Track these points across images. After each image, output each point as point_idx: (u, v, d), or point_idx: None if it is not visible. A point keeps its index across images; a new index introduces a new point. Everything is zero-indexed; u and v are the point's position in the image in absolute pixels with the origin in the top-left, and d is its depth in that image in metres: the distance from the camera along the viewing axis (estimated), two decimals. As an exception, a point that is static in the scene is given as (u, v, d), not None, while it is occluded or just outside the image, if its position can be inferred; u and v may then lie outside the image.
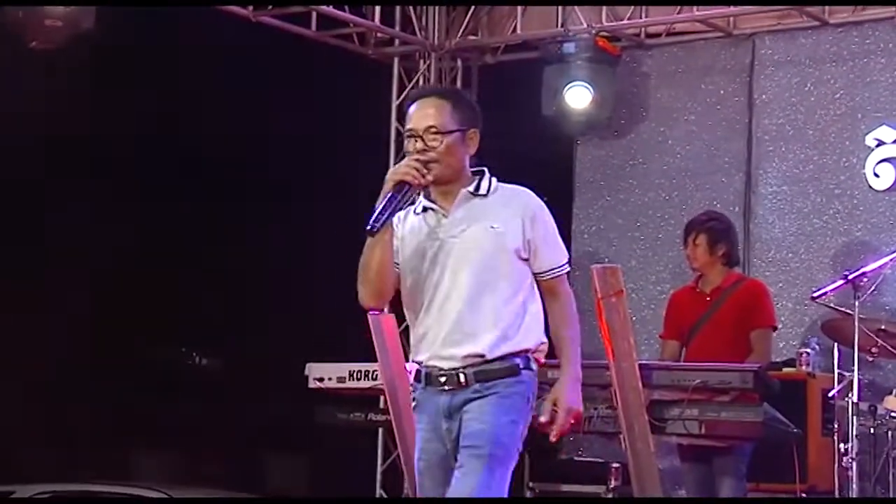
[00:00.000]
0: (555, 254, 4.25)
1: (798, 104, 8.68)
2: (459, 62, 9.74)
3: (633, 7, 8.97)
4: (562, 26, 9.10)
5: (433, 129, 4.16)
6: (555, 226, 4.29)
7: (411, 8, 9.48)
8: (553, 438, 4.20)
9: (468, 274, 4.10)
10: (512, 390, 4.09)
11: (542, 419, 4.15)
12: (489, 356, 4.08)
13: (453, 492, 4.00)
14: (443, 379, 4.11)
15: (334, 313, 6.97)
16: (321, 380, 6.52)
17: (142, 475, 11.79)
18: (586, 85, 8.73)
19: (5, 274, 11.67)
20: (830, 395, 6.52)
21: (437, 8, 9.56)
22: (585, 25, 8.91)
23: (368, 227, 4.03)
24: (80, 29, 7.44)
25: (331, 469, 11.16)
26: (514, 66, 9.64)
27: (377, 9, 9.21)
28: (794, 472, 6.17)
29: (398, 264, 4.19)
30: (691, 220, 6.87)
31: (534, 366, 4.18)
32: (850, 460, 6.26)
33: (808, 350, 7.24)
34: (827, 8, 8.53)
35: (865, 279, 6.43)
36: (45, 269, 11.74)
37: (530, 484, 6.96)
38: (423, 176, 4.10)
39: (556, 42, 8.91)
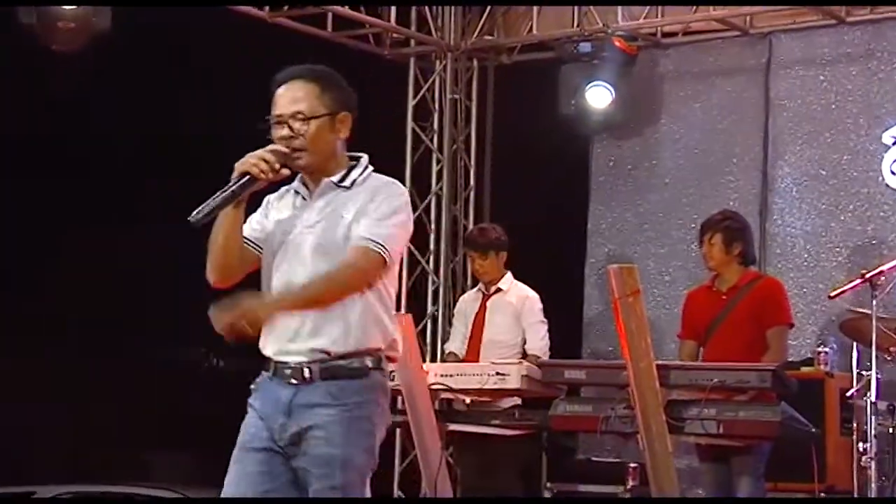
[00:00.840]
0: (368, 225, 3.86)
1: (814, 103, 8.66)
2: (475, 62, 9.74)
3: (648, 6, 8.96)
4: (578, 26, 9.09)
5: (300, 115, 3.90)
6: (396, 213, 3.90)
7: (427, 8, 9.48)
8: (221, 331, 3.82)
9: (319, 267, 3.84)
10: (364, 398, 3.84)
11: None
12: (334, 352, 3.84)
13: None
14: (288, 372, 3.86)
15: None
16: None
17: (160, 476, 11.81)
18: (607, 84, 8.73)
19: (26, 274, 11.71)
20: (849, 394, 6.50)
21: (452, 8, 9.56)
22: (601, 25, 8.90)
23: (190, 216, 3.78)
24: (96, 30, 7.41)
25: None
26: (530, 66, 9.63)
27: (393, 9, 9.21)
28: (813, 472, 6.13)
29: (255, 243, 3.96)
30: (707, 219, 6.84)
31: (385, 366, 3.92)
32: (869, 460, 6.23)
33: (827, 349, 7.23)
34: (844, 7, 8.51)
35: (883, 278, 6.40)
36: (65, 272, 11.77)
37: (548, 484, 6.96)
38: (276, 169, 3.85)
39: (573, 42, 8.91)
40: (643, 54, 9.09)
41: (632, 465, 6.86)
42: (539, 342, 6.91)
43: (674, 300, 8.35)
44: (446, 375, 6.33)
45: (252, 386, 3.97)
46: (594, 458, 8.06)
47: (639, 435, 5.42)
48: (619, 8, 8.95)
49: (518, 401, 6.57)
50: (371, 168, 4.00)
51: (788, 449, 6.11)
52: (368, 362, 3.87)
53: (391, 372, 4.05)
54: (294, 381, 3.86)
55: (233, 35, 8.86)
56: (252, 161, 3.83)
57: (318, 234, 3.90)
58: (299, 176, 3.98)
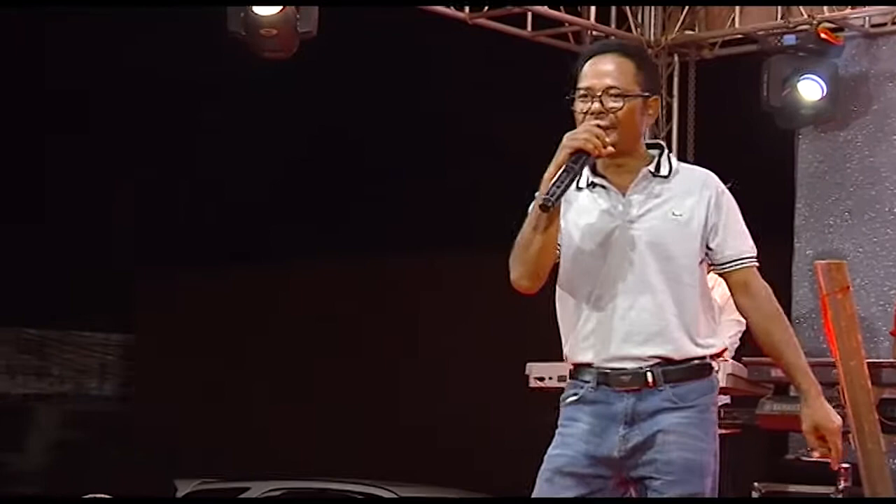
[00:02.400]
0: (741, 242, 3.72)
1: None
2: (676, 58, 9.64)
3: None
4: (781, 18, 8.92)
5: (614, 90, 3.62)
6: (740, 214, 3.75)
7: (627, 5, 9.43)
8: (835, 467, 3.75)
9: (653, 266, 3.63)
10: (708, 400, 3.70)
11: (816, 455, 3.69)
12: (677, 358, 3.66)
13: None
14: (626, 379, 3.64)
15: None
16: (542, 379, 6.54)
17: (372, 474, 12.00)
18: (817, 77, 8.56)
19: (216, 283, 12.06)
20: None
21: (653, 5, 9.49)
22: (807, 16, 8.72)
23: (542, 203, 3.52)
24: (301, 33, 7.38)
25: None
26: (733, 60, 9.50)
27: (592, 7, 9.19)
28: None
29: (559, 245, 3.67)
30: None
31: (717, 372, 3.78)
32: None
33: None
34: None
35: None
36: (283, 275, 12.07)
37: (756, 484, 6.84)
38: (604, 145, 3.58)
39: (777, 34, 8.75)
40: (851, 45, 8.87)
41: (844, 465, 6.70)
42: (727, 339, 6.73)
43: (887, 297, 8.15)
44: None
45: (571, 398, 3.75)
46: (804, 458, 7.91)
47: (850, 434, 5.30)
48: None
49: (726, 399, 6.48)
50: (674, 155, 3.80)
51: None
52: (708, 366, 3.77)
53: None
54: (635, 386, 3.69)
55: (432, 36, 8.97)
56: (585, 136, 3.57)
57: (650, 231, 3.65)
58: (588, 167, 3.67)
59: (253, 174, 12.05)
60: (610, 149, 3.61)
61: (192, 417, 13.51)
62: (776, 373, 5.65)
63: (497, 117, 10.52)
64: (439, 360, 12.32)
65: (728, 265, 3.73)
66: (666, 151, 3.77)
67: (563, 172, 3.55)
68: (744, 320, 6.81)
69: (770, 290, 3.77)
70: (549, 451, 3.74)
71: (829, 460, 3.67)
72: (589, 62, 3.69)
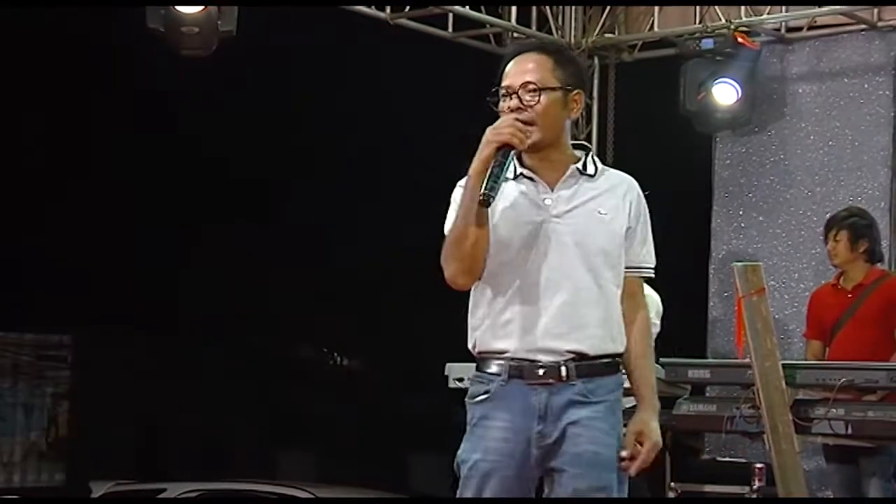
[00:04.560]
0: (646, 252, 3.78)
1: (945, 97, 8.47)
2: (596, 60, 9.69)
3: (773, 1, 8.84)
4: (700, 22, 9.00)
5: (531, 85, 3.66)
6: (650, 224, 3.81)
7: (548, 7, 9.47)
8: (633, 473, 3.71)
9: (577, 262, 3.66)
10: (616, 396, 3.72)
11: (624, 454, 3.68)
12: (592, 354, 3.67)
13: None
14: (540, 372, 3.65)
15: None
16: (461, 380, 6.54)
17: (287, 474, 11.96)
18: (732, 81, 8.64)
19: (158, 287, 11.94)
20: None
21: (573, 7, 9.54)
22: (724, 21, 8.80)
23: (482, 198, 3.53)
24: (221, 32, 7.38)
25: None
26: (652, 63, 9.56)
27: (513, 9, 9.21)
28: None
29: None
30: (832, 216, 6.75)
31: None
32: None
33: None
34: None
35: None
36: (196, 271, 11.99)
37: (672, 484, 6.89)
38: (528, 136, 3.62)
39: (695, 38, 8.83)
40: (767, 50, 8.97)
41: (758, 465, 6.78)
42: None
43: (800, 299, 8.23)
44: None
45: (481, 396, 3.73)
46: (719, 458, 7.98)
47: (765, 435, 5.36)
48: (743, 3, 8.84)
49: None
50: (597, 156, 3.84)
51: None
52: (620, 364, 3.78)
53: None
54: (550, 380, 3.69)
55: (353, 36, 8.95)
56: (509, 131, 3.59)
57: (575, 227, 3.69)
58: (515, 160, 3.68)
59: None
60: (529, 141, 3.65)
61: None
62: (693, 373, 5.70)
63: (409, 117, 10.53)
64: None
65: (630, 270, 3.77)
66: (592, 152, 3.83)
67: (495, 167, 3.57)
68: (658, 322, 6.90)
69: (648, 310, 3.82)
70: (468, 454, 3.72)
71: (626, 463, 3.67)
72: (510, 63, 3.75)
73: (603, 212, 3.71)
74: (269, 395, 13.25)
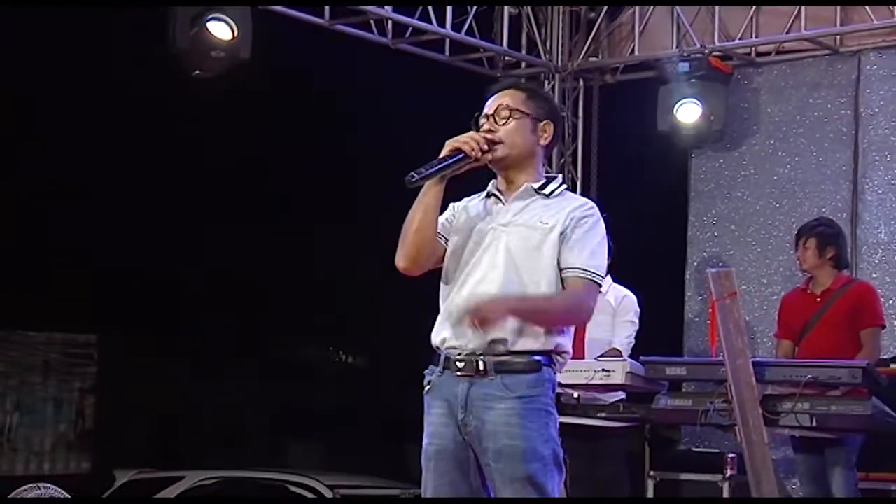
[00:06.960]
0: (586, 256, 3.74)
1: (902, 116, 8.50)
2: (581, 82, 9.73)
3: (744, 28, 8.87)
4: (677, 47, 9.04)
5: (504, 111, 3.80)
6: (602, 241, 3.80)
7: (537, 33, 9.51)
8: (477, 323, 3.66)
9: (511, 264, 3.71)
10: (537, 392, 3.69)
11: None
12: (512, 349, 3.68)
13: None
14: (460, 364, 3.72)
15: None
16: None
17: (296, 463, 11.95)
18: (696, 101, 8.67)
19: (173, 291, 11.91)
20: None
21: (560, 32, 9.58)
22: (699, 46, 8.84)
23: (407, 177, 3.65)
24: (239, 59, 7.34)
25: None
26: (633, 85, 9.60)
27: (505, 34, 9.25)
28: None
29: (445, 238, 3.82)
30: (802, 224, 6.77)
31: (555, 367, 3.78)
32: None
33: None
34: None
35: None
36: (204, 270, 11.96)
37: (651, 473, 6.91)
38: (483, 152, 3.74)
39: (672, 62, 8.86)
40: (739, 73, 9.01)
41: (730, 455, 6.79)
42: (623, 339, 6.78)
43: (770, 302, 8.26)
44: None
45: (427, 386, 3.81)
46: (695, 449, 8.00)
47: (736, 427, 5.37)
48: (717, 29, 8.87)
49: (622, 395, 6.53)
50: (565, 186, 3.93)
51: (879, 441, 6.01)
52: (541, 359, 3.74)
53: None
54: (467, 373, 3.74)
55: (354, 61, 8.94)
56: (463, 139, 3.75)
57: (514, 234, 3.77)
58: (494, 180, 3.87)
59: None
60: (488, 156, 3.77)
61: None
62: (671, 371, 5.71)
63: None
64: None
65: (563, 270, 3.76)
66: (559, 180, 3.91)
67: (439, 161, 3.72)
68: (637, 321, 6.92)
69: (585, 304, 3.79)
70: (424, 438, 3.82)
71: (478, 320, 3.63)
72: (491, 98, 3.90)
73: (544, 222, 3.78)
74: (279, 391, 13.26)
